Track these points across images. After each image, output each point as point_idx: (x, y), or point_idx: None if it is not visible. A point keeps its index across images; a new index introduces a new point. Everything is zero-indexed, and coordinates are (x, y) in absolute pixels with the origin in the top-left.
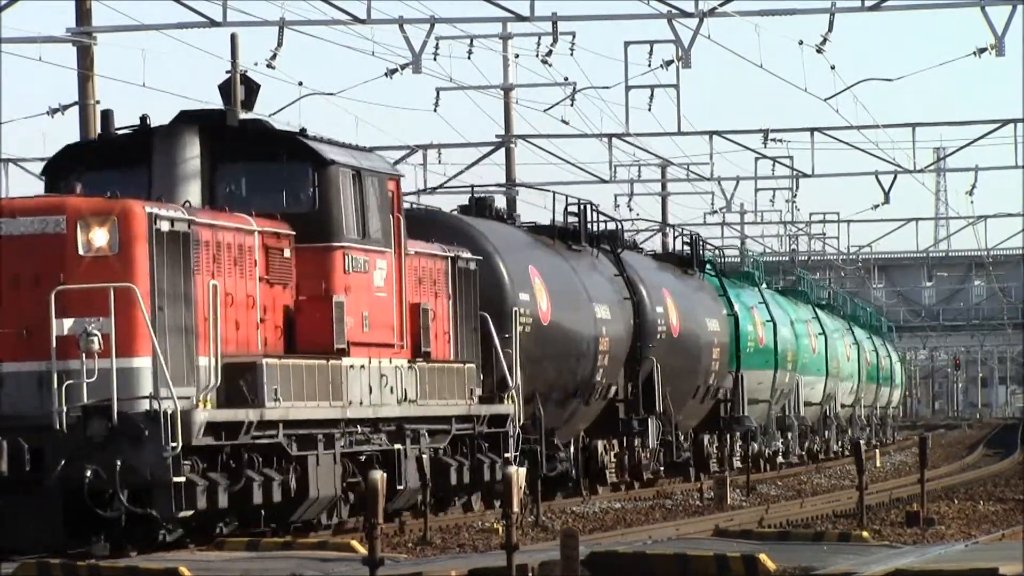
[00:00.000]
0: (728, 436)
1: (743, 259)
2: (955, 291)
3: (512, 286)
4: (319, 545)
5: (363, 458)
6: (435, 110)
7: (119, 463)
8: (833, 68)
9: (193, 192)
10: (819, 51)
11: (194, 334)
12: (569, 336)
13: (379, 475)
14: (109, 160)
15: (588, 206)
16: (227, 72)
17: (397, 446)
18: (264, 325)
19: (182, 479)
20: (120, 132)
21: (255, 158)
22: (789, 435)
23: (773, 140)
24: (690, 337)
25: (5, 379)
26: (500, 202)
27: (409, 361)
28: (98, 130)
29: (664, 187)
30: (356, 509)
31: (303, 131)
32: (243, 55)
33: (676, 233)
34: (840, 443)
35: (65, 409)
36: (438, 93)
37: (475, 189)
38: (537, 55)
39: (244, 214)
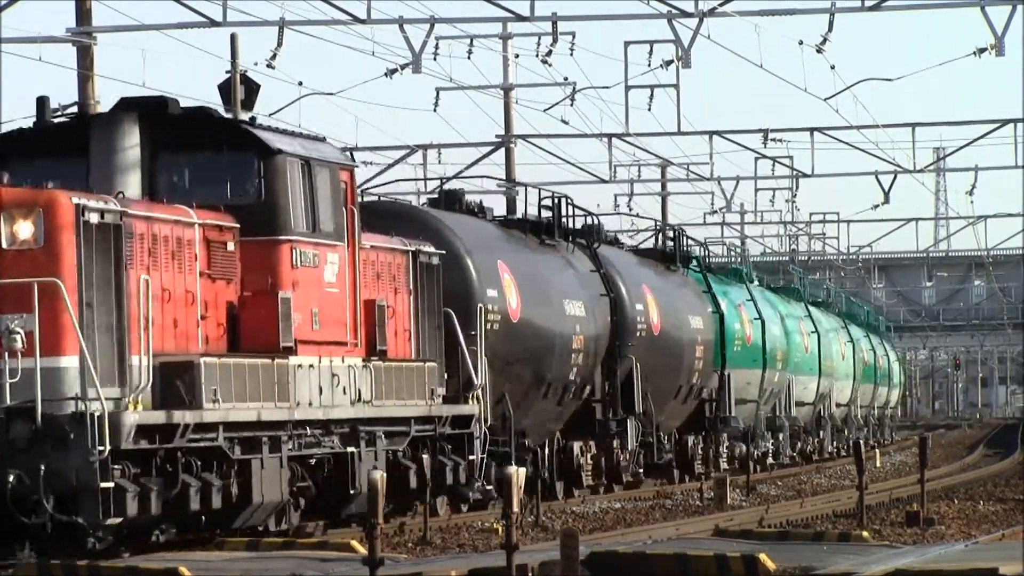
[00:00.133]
0: (714, 437)
1: (731, 255)
2: (955, 291)
3: (479, 282)
4: (319, 545)
5: (313, 461)
6: (435, 110)
7: (43, 468)
8: (833, 68)
9: (132, 183)
10: (819, 51)
11: (126, 332)
12: (540, 334)
13: (379, 475)
14: (46, 149)
15: (563, 200)
16: (227, 72)
17: (351, 449)
18: (205, 322)
19: (110, 485)
20: (57, 120)
21: (198, 147)
22: (780, 436)
23: (773, 140)
24: (672, 335)
25: None
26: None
27: (363, 360)
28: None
29: (664, 187)
30: (307, 514)
31: (253, 120)
32: (243, 55)
33: (659, 228)
34: (835, 444)
35: None
36: (438, 93)
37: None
38: (537, 55)
39: (184, 206)
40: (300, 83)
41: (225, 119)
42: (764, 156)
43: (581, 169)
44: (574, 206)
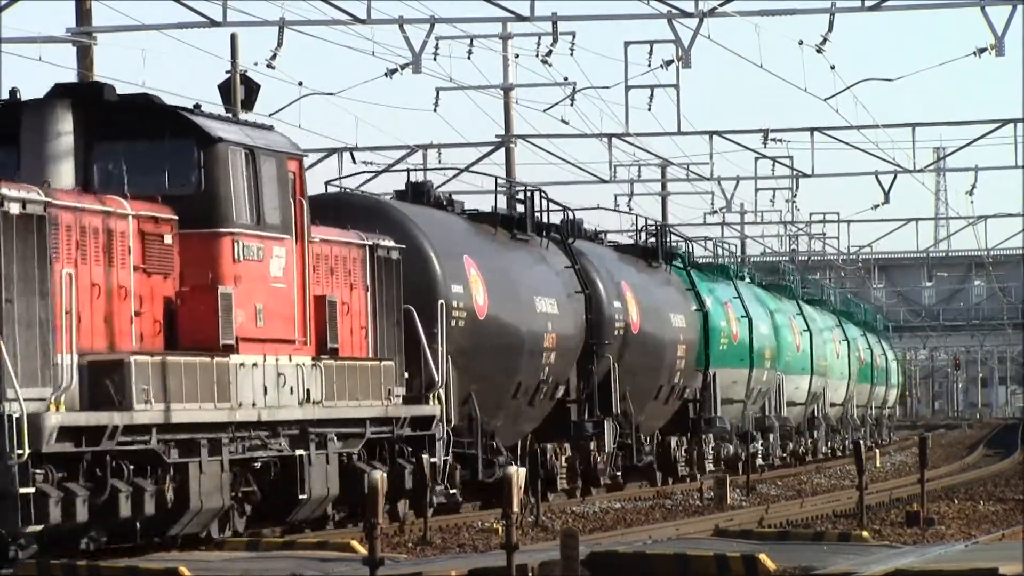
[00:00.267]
0: (700, 438)
1: (717, 252)
2: (955, 291)
3: (443, 277)
4: (319, 545)
5: (259, 465)
6: (435, 110)
7: None
8: (833, 68)
9: (66, 172)
10: (819, 51)
11: (50, 328)
12: (508, 331)
13: (379, 475)
14: None
15: (536, 192)
16: (227, 72)
17: (300, 452)
18: (140, 319)
19: (31, 490)
20: None
21: (135, 136)
22: (771, 436)
23: (773, 140)
24: (652, 333)
25: None
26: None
27: (313, 359)
28: None
29: (664, 187)
30: (253, 520)
31: (197, 107)
32: (243, 55)
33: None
34: (830, 444)
35: None
36: (438, 93)
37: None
38: (537, 55)
39: (118, 196)
40: (300, 83)
41: (164, 106)
42: (764, 156)
43: (581, 169)
44: (549, 200)
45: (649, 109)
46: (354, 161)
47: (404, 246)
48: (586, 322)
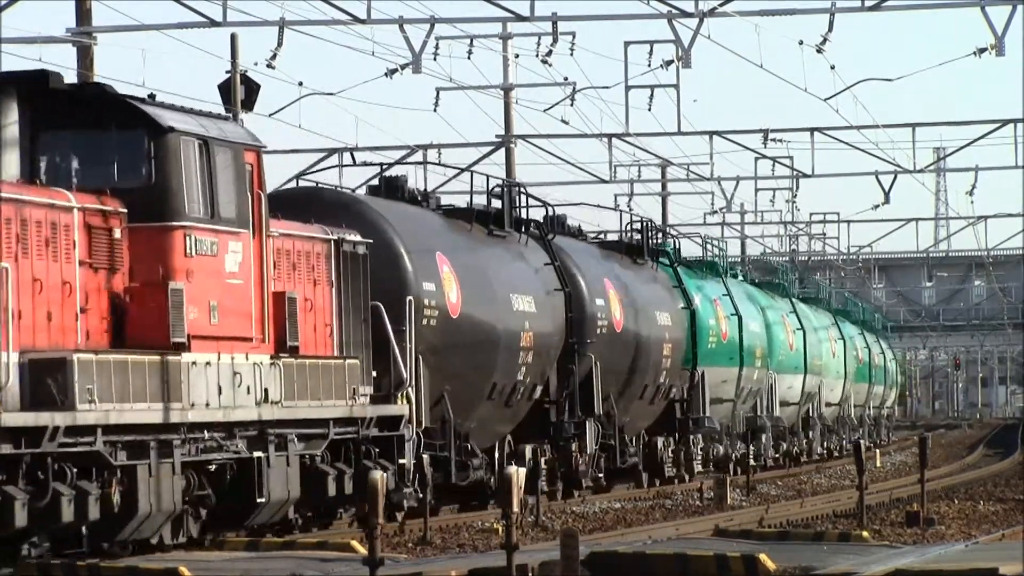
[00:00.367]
0: (688, 439)
1: (707, 249)
2: (955, 291)
3: (414, 274)
4: (319, 545)
5: (214, 467)
6: (435, 110)
7: None
8: (833, 68)
9: (11, 163)
10: (819, 51)
11: None
12: (483, 330)
13: (379, 475)
14: None
15: (514, 188)
16: (227, 72)
17: (257, 454)
18: (86, 316)
19: None
20: None
21: (82, 125)
22: (762, 436)
23: (773, 140)
24: (636, 332)
25: None
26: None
27: (271, 357)
28: None
29: (664, 187)
30: (209, 525)
31: (151, 96)
32: (243, 55)
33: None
34: (825, 445)
35: None
36: (438, 93)
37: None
38: (537, 55)
39: (63, 188)
40: (300, 83)
41: (114, 94)
42: (764, 156)
43: (581, 169)
44: (528, 195)
45: (649, 109)
46: (354, 161)
47: (372, 240)
48: (567, 320)
